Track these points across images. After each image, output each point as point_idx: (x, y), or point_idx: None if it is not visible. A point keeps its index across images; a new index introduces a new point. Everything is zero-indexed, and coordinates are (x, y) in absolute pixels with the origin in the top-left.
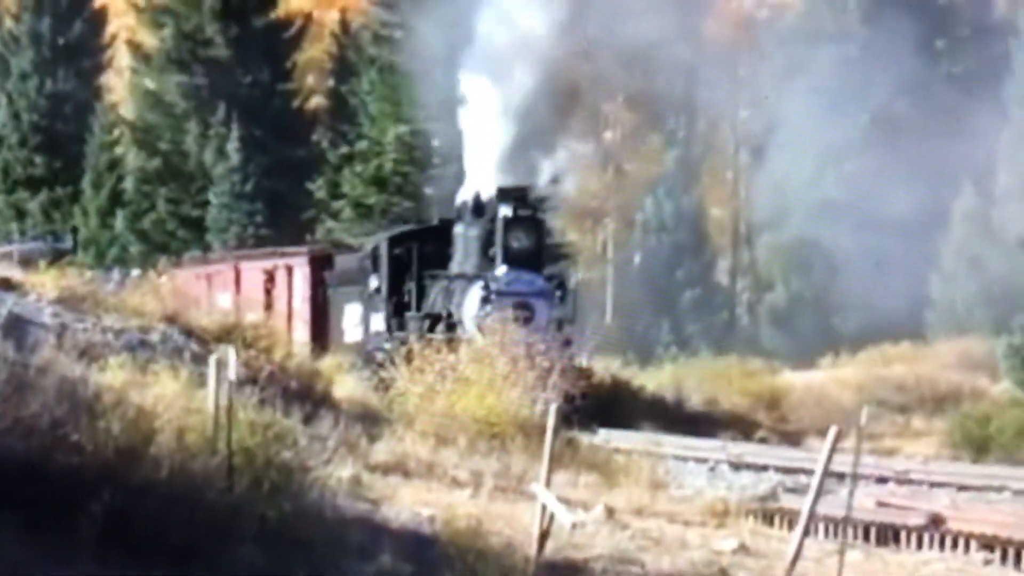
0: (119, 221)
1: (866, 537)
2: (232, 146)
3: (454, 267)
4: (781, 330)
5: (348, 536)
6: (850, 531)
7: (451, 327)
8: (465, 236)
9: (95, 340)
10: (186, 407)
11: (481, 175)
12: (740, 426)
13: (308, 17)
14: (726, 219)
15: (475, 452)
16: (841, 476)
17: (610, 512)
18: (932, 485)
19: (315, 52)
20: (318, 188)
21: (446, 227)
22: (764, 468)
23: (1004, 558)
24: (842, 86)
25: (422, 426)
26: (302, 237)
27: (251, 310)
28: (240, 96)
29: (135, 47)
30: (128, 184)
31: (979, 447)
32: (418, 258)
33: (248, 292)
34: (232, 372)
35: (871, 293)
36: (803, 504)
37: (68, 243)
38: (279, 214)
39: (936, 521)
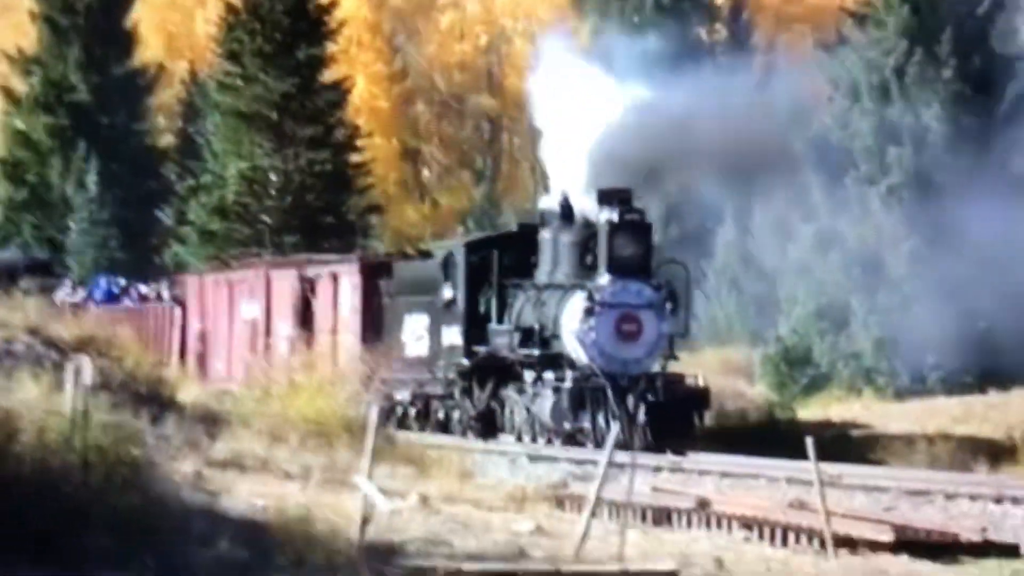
0: None
1: (644, 519)
2: (91, 179)
3: (541, 276)
4: None
5: (191, 525)
6: (630, 513)
7: (545, 341)
8: (555, 243)
9: None
10: (46, 409)
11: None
12: None
13: (161, 66)
14: None
15: (305, 449)
16: (622, 466)
17: (424, 500)
18: (700, 473)
19: (166, 97)
20: (167, 216)
21: (527, 234)
22: (556, 460)
23: (760, 536)
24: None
25: (258, 426)
26: (151, 260)
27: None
28: (99, 135)
29: (7, 92)
30: None
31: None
32: (498, 266)
33: (280, 301)
34: (87, 378)
35: None
36: (590, 490)
37: (45, 254)
38: (132, 239)
39: (703, 504)
